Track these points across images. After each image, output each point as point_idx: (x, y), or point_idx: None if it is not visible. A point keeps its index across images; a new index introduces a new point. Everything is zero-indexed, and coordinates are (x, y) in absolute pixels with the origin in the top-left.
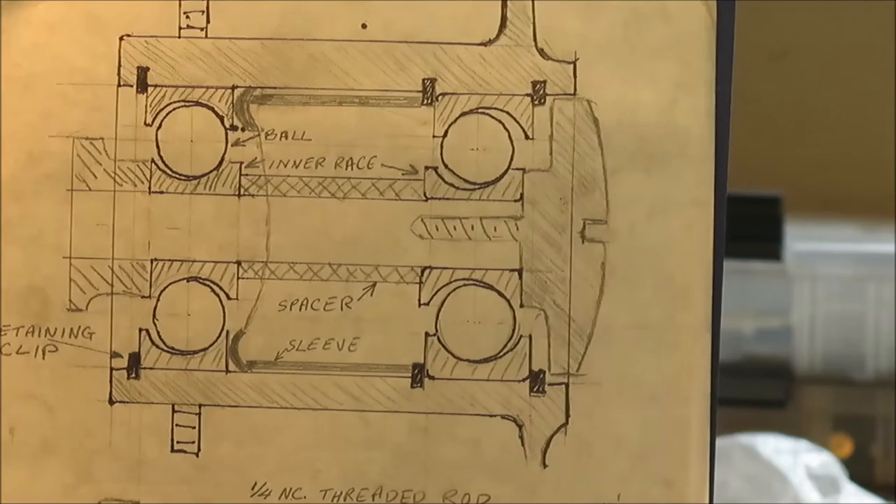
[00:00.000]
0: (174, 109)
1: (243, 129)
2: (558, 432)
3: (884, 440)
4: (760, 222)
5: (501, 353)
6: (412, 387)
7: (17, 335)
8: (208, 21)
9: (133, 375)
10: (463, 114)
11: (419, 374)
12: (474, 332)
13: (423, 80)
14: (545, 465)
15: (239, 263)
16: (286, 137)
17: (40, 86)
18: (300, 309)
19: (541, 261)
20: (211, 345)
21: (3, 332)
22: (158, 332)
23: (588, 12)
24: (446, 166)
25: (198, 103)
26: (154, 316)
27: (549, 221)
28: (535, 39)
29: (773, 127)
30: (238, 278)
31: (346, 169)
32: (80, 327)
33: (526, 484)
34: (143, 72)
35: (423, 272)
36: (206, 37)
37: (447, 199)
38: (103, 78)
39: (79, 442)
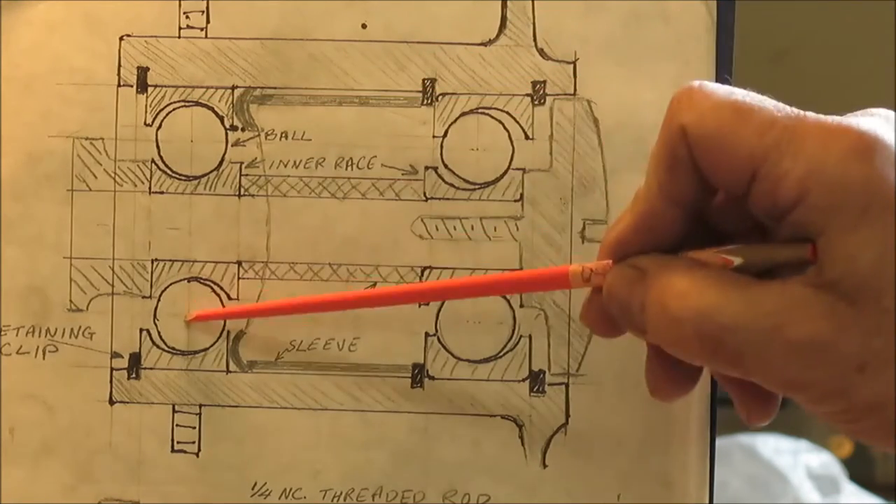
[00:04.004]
0: (174, 109)
1: (243, 129)
2: (558, 432)
3: None
4: None
5: (501, 353)
6: (412, 387)
7: (17, 335)
8: (208, 21)
9: (133, 375)
10: (463, 114)
11: (419, 374)
12: (474, 332)
13: (423, 80)
14: (545, 465)
15: (239, 263)
16: (286, 137)
17: (40, 86)
18: None
19: (541, 261)
20: (211, 345)
21: (3, 332)
22: (159, 333)
23: (588, 13)
24: (446, 166)
25: (198, 103)
26: (155, 316)
27: (549, 221)
28: (535, 39)
29: None
30: (238, 278)
31: (346, 169)
32: (80, 327)
33: (526, 484)
34: (143, 72)
35: (423, 272)
36: (206, 37)
37: (447, 199)
38: (103, 78)
39: (79, 442)
